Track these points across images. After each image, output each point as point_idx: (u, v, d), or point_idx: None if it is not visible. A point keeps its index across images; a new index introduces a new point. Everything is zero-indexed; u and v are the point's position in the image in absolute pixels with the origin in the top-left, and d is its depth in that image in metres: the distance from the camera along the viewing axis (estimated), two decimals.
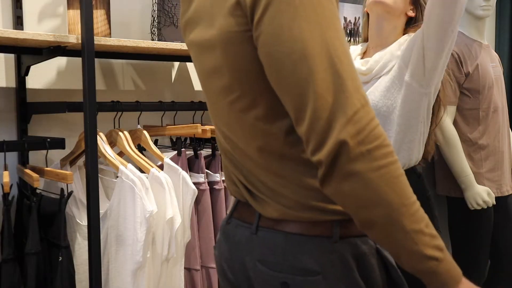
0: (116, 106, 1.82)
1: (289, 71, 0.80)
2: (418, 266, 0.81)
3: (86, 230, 1.63)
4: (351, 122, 0.78)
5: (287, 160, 0.91)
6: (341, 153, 0.78)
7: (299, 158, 0.90)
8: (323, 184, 0.82)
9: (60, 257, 1.54)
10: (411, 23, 1.70)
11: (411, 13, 1.69)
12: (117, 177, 1.64)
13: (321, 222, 0.91)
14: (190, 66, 2.36)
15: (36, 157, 1.88)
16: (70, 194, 1.58)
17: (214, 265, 1.87)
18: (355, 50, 1.77)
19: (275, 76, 0.83)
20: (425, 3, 1.64)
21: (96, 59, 1.61)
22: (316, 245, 0.90)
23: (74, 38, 1.61)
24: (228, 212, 1.08)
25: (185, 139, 2.07)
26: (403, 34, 1.70)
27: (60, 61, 1.99)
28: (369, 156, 0.78)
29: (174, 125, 1.99)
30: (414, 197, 0.81)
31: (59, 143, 1.64)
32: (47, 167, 1.68)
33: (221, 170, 1.93)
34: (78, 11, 1.66)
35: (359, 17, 2.87)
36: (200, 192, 1.83)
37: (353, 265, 0.91)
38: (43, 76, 1.96)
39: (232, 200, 1.12)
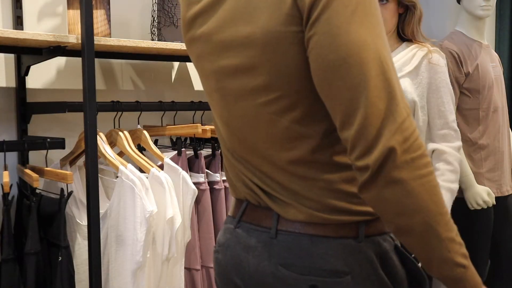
0: (116, 106, 1.82)
1: (342, 74, 0.80)
2: (448, 273, 0.83)
3: (86, 230, 1.63)
4: (399, 130, 0.79)
5: (316, 163, 0.91)
6: (388, 160, 0.79)
7: (328, 161, 0.91)
8: (364, 189, 0.83)
9: (60, 257, 1.54)
10: (400, 18, 1.80)
11: (401, 11, 1.79)
12: (117, 177, 1.64)
13: (346, 224, 0.91)
14: (190, 66, 2.36)
15: (36, 157, 1.88)
16: (70, 194, 1.58)
17: None
18: None
19: (325, 78, 0.82)
20: None
21: (96, 59, 1.61)
22: (343, 246, 0.91)
23: (74, 38, 1.60)
24: (231, 215, 1.06)
25: (185, 139, 2.07)
26: (396, 33, 1.82)
27: (60, 61, 1.99)
28: (413, 164, 0.80)
29: (174, 125, 1.99)
30: (446, 207, 0.83)
31: (59, 143, 1.64)
32: (47, 167, 1.68)
33: (221, 170, 1.93)
34: (78, 11, 1.66)
35: None
36: (200, 192, 1.83)
37: (377, 263, 0.92)
38: (43, 76, 1.96)
39: (232, 201, 1.09)
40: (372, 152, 0.80)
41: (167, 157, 1.78)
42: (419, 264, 0.93)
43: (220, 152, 1.93)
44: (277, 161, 0.93)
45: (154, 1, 2.02)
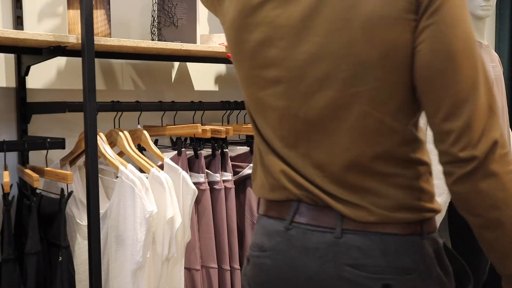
0: (116, 106, 1.81)
1: (457, 66, 0.81)
2: None
3: (86, 230, 1.63)
4: (498, 125, 0.83)
5: (396, 158, 0.90)
6: (490, 152, 0.81)
7: (406, 156, 0.90)
8: (460, 181, 0.84)
9: (60, 257, 1.54)
10: None
11: None
12: (117, 177, 1.64)
13: (413, 221, 0.91)
14: (190, 66, 2.35)
15: (36, 157, 1.88)
16: (70, 194, 1.58)
17: (214, 265, 1.87)
18: None
19: (440, 69, 0.82)
20: None
21: (96, 59, 1.60)
22: (410, 244, 0.91)
23: (74, 38, 1.60)
24: (276, 217, 0.98)
25: (185, 139, 2.07)
26: None
27: (60, 61, 1.99)
28: (505, 159, 0.83)
29: (174, 125, 1.99)
30: None
31: (59, 143, 1.64)
32: (47, 167, 1.68)
33: (221, 170, 1.93)
34: (78, 11, 1.67)
35: None
36: (200, 192, 1.83)
37: (435, 259, 0.92)
38: (43, 76, 1.96)
39: (265, 203, 1.00)
40: (478, 144, 0.81)
41: (167, 157, 1.78)
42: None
43: (221, 152, 1.93)
44: (357, 156, 0.89)
45: (154, 1, 2.02)
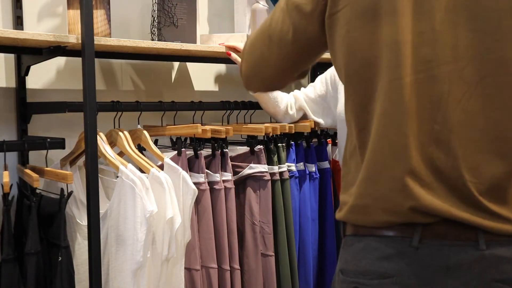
0: (116, 106, 1.81)
1: None
2: None
3: (86, 230, 1.63)
4: None
5: None
6: None
7: None
8: None
9: (60, 257, 1.54)
10: None
11: None
12: (117, 177, 1.64)
13: None
14: (190, 66, 2.35)
15: (36, 157, 1.88)
16: (70, 194, 1.58)
17: (214, 265, 1.87)
18: None
19: None
20: None
21: (96, 59, 1.60)
22: None
23: (74, 38, 1.60)
24: (396, 235, 0.84)
25: (185, 139, 2.07)
26: None
27: (60, 61, 1.99)
28: None
29: (174, 125, 1.99)
30: None
31: (59, 143, 1.64)
32: (47, 167, 1.68)
33: (221, 170, 1.93)
34: (78, 11, 1.66)
35: None
36: (200, 192, 1.83)
37: None
38: (43, 76, 1.96)
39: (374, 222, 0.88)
40: None
41: (167, 157, 1.78)
42: None
43: (221, 152, 1.93)
44: None
45: (154, 1, 2.02)
